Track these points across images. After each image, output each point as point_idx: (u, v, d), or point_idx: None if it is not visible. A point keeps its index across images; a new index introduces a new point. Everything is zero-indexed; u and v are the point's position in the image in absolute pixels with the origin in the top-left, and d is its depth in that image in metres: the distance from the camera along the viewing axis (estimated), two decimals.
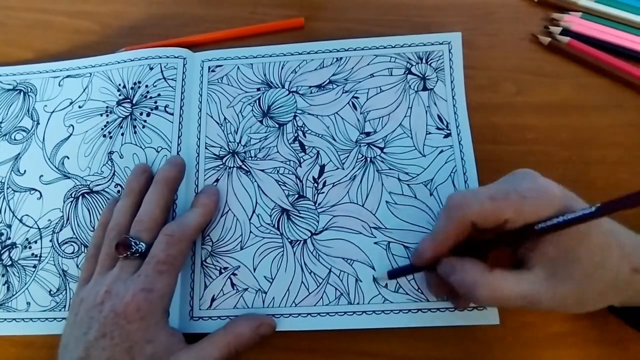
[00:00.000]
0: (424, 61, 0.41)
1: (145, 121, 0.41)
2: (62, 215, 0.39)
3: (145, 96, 0.42)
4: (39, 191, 0.40)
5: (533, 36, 0.42)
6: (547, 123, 0.39)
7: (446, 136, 0.38)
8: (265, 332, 0.33)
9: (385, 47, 0.42)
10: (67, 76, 0.44)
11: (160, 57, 0.43)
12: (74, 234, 0.38)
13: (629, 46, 0.40)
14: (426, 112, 0.39)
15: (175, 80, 0.42)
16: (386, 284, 0.34)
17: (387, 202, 0.37)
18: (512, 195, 0.27)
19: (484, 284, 0.27)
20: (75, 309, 0.32)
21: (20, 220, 0.39)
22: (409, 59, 0.41)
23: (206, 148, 0.40)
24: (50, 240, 0.39)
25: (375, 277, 0.35)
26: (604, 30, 0.40)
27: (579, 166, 0.38)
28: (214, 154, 0.39)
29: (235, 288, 0.36)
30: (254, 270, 0.36)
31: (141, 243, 0.33)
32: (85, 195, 0.39)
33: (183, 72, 0.42)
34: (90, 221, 0.39)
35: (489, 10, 0.44)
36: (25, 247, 0.39)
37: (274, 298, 0.35)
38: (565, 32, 0.41)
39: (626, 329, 0.33)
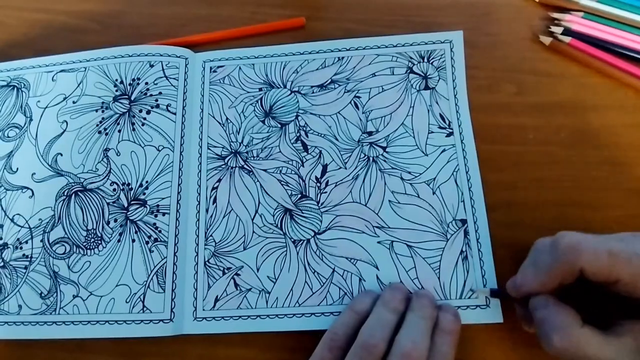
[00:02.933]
0: (425, 60, 0.41)
1: (144, 119, 0.40)
2: (54, 214, 0.38)
3: (145, 93, 0.41)
4: (30, 189, 0.39)
5: (534, 36, 0.42)
6: (548, 123, 0.39)
7: (448, 135, 0.38)
8: None
9: (386, 47, 0.42)
10: (61, 71, 0.43)
11: (161, 55, 0.42)
12: (66, 233, 0.38)
13: (630, 46, 0.40)
14: (428, 111, 0.39)
15: (177, 80, 0.42)
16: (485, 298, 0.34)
17: (390, 201, 0.37)
18: (633, 259, 0.26)
19: (568, 335, 0.26)
20: None
21: (12, 220, 0.39)
22: (411, 58, 0.41)
23: (208, 148, 0.40)
24: (41, 241, 0.38)
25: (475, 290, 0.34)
26: (606, 30, 0.40)
27: (579, 166, 0.38)
28: (216, 154, 0.39)
29: (238, 288, 0.35)
30: (257, 270, 0.36)
31: None
32: (79, 193, 0.39)
33: (185, 72, 0.42)
34: (83, 220, 0.38)
35: (490, 10, 0.44)
36: (17, 247, 0.38)
37: (277, 298, 0.35)
38: (567, 32, 0.41)
39: None
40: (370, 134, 0.39)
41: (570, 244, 0.27)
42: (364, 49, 0.42)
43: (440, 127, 0.39)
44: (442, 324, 0.31)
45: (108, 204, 0.38)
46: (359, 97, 0.40)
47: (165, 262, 0.36)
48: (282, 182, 0.38)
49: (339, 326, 0.32)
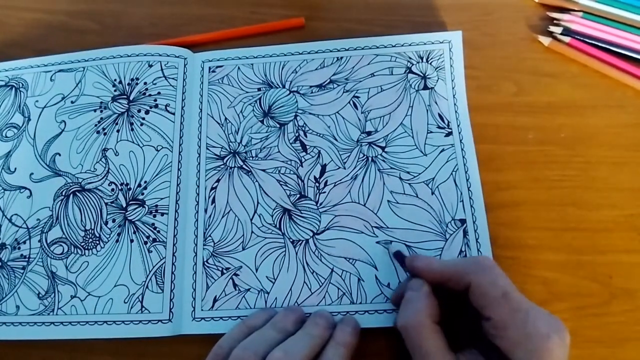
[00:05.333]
0: (424, 60, 0.41)
1: (143, 119, 0.40)
2: (52, 215, 0.38)
3: (144, 93, 0.41)
4: (29, 189, 0.39)
5: (533, 36, 0.42)
6: (547, 123, 0.39)
7: (447, 135, 0.38)
8: None
9: (385, 47, 0.42)
10: (59, 70, 0.43)
11: (160, 55, 0.42)
12: (64, 233, 0.38)
13: (630, 46, 0.40)
14: (427, 111, 0.39)
15: (176, 80, 0.42)
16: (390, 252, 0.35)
17: (388, 201, 0.37)
18: (519, 315, 0.26)
19: (416, 322, 0.28)
20: None
21: (10, 220, 0.39)
22: (410, 58, 0.41)
23: (207, 148, 0.40)
24: (39, 241, 0.38)
25: (386, 246, 0.35)
26: (605, 30, 0.40)
27: (579, 166, 0.38)
28: (215, 154, 0.39)
29: (237, 289, 0.35)
30: (256, 270, 0.36)
31: None
32: (77, 193, 0.39)
33: (184, 72, 0.42)
34: (81, 220, 0.38)
35: (489, 10, 0.44)
36: (15, 247, 0.38)
37: (276, 298, 0.35)
38: (566, 32, 0.41)
39: (627, 329, 0.33)
40: (369, 133, 0.39)
41: (485, 262, 0.28)
42: (362, 49, 0.42)
43: (439, 127, 0.39)
44: (337, 336, 0.31)
45: (106, 204, 0.38)
46: (357, 97, 0.40)
47: (164, 262, 0.36)
48: (280, 182, 0.38)
49: (227, 339, 0.31)
